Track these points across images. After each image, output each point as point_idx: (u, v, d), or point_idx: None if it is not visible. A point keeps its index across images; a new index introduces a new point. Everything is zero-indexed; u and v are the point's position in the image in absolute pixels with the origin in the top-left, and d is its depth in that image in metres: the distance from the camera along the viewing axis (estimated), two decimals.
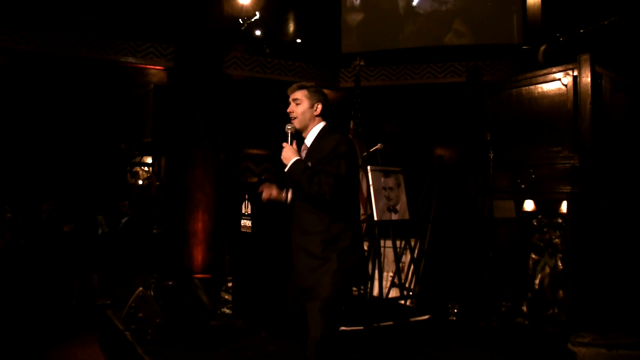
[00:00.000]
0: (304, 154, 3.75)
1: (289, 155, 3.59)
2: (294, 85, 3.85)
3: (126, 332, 5.52)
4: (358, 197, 3.71)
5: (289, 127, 3.74)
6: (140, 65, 9.65)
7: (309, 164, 3.60)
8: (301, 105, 3.75)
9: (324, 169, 3.49)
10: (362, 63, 8.63)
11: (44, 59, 9.10)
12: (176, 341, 5.39)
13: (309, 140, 3.79)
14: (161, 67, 9.74)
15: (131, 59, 9.48)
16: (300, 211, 3.69)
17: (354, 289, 7.40)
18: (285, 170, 3.58)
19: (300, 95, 3.77)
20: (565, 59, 6.12)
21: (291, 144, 3.68)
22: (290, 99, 3.81)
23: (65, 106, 11.18)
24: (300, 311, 3.71)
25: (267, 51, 10.18)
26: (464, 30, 10.24)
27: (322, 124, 3.80)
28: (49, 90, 10.75)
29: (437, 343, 5.84)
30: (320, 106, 3.78)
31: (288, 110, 3.80)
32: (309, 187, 3.44)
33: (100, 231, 9.60)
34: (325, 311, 3.49)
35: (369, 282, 7.08)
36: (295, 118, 3.76)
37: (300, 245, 3.66)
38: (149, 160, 13.27)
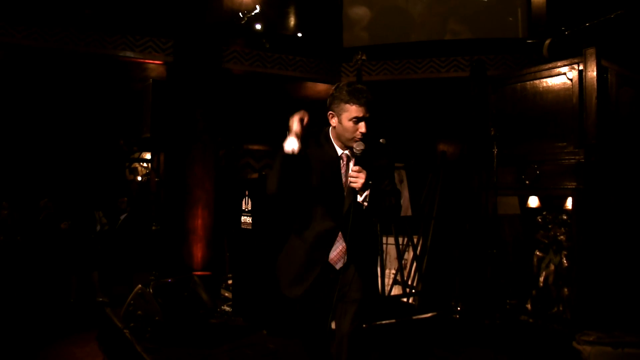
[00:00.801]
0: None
1: (362, 180, 3.33)
2: (369, 97, 3.51)
3: (125, 330, 5.53)
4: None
5: (359, 148, 3.44)
6: (139, 60, 9.63)
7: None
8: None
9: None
10: (363, 57, 8.60)
11: (40, 53, 9.07)
12: (176, 339, 5.40)
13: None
14: (160, 62, 9.72)
15: (129, 54, 9.46)
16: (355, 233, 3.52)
17: None
18: (361, 199, 3.35)
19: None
20: (570, 53, 6.12)
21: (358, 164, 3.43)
22: (364, 114, 3.47)
23: (62, 101, 11.18)
24: (305, 309, 3.73)
25: (267, 46, 10.14)
26: (467, 24, 10.21)
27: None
28: (46, 85, 10.75)
29: (442, 342, 5.83)
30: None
31: (363, 127, 3.45)
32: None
33: (98, 227, 9.60)
34: (363, 309, 3.57)
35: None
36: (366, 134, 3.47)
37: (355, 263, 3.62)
38: (147, 156, 13.26)
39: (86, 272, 8.90)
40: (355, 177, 3.31)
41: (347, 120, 3.45)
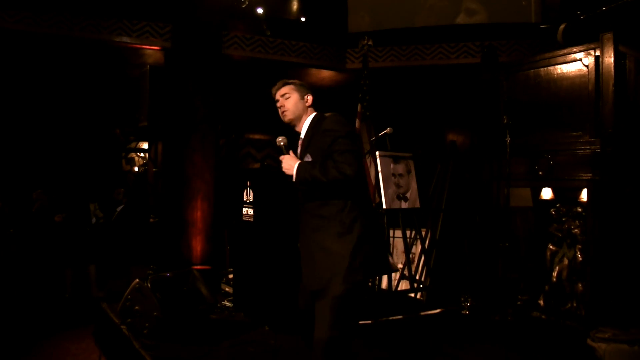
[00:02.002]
0: (299, 150, 3.83)
1: (291, 163, 3.66)
2: (278, 83, 3.96)
3: (122, 326, 5.53)
4: (366, 182, 3.73)
5: (280, 140, 3.80)
6: (136, 46, 9.61)
7: (308, 155, 3.67)
8: (291, 98, 3.86)
9: (332, 151, 3.54)
10: (370, 43, 8.58)
11: (33, 39, 9.06)
12: (174, 335, 5.41)
13: (303, 133, 3.87)
14: (157, 47, 9.71)
15: (126, 39, 9.44)
16: (309, 210, 3.72)
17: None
18: (294, 178, 3.62)
19: (287, 89, 3.89)
20: (586, 38, 6.10)
21: (286, 153, 3.75)
22: (278, 96, 3.91)
23: (56, 89, 11.17)
24: (306, 305, 3.73)
25: (268, 33, 10.12)
26: (478, 8, 10.16)
27: (314, 114, 3.90)
28: (39, 72, 10.73)
29: (451, 338, 5.83)
30: (310, 97, 3.90)
31: (278, 105, 3.91)
32: (326, 174, 3.48)
33: (93, 220, 9.61)
34: (336, 310, 3.49)
35: (387, 274, 7.09)
36: (285, 111, 3.86)
37: (312, 242, 3.67)
38: (145, 145, 13.27)
39: (81, 266, 8.92)
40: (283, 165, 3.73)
41: None
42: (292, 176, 3.64)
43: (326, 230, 3.59)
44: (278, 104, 3.91)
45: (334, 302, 3.48)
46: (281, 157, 3.72)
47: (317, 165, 3.53)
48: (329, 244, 3.56)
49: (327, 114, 3.81)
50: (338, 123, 3.66)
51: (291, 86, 3.89)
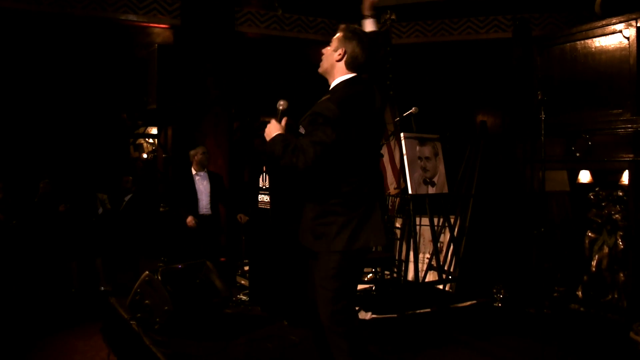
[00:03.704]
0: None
1: (271, 131, 3.52)
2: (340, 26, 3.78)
3: (132, 322, 5.55)
4: (366, 165, 3.61)
5: (281, 103, 3.66)
6: (143, 24, 9.64)
7: (302, 127, 3.54)
8: (329, 47, 3.67)
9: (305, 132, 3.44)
10: (393, 17, 8.55)
11: (34, 18, 9.11)
12: (187, 331, 5.42)
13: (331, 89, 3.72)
14: (166, 25, 9.73)
15: (132, 17, 9.47)
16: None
17: (386, 272, 7.41)
18: (266, 147, 3.52)
19: (333, 37, 3.69)
20: (626, 8, 6.02)
21: (280, 121, 3.60)
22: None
23: (59, 72, 11.21)
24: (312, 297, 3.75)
25: (280, 12, 10.10)
26: None
27: (347, 76, 3.64)
28: (41, 53, 10.78)
29: (481, 332, 5.80)
30: (343, 51, 3.60)
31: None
32: (282, 156, 3.36)
33: (100, 210, 9.66)
34: (325, 289, 3.53)
35: (403, 265, 7.07)
36: (321, 62, 3.71)
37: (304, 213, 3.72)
38: (154, 130, 13.32)
39: (88, 258, 8.98)
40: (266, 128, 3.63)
41: None
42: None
43: (307, 210, 3.68)
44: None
45: (321, 281, 3.55)
46: (271, 120, 3.60)
47: (286, 141, 3.39)
48: (311, 224, 3.62)
49: (341, 90, 3.58)
50: (331, 102, 3.45)
51: (339, 34, 3.67)
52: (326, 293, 3.51)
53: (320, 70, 3.71)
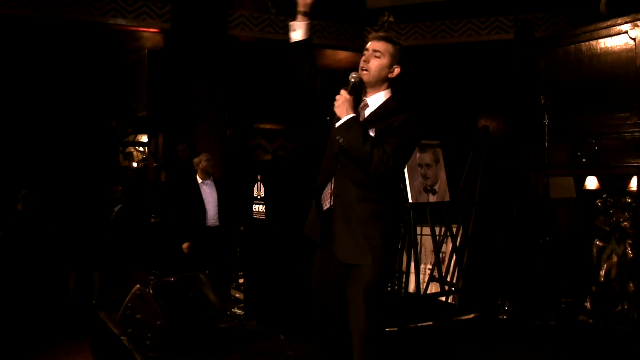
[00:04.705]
0: (363, 114, 3.69)
1: (346, 109, 3.49)
2: (380, 34, 3.74)
3: (122, 337, 5.55)
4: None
5: (354, 75, 3.58)
6: (132, 28, 9.66)
7: (373, 130, 3.53)
8: (381, 59, 3.63)
9: (387, 142, 3.42)
10: (391, 19, 8.57)
11: (20, 22, 9.12)
12: (180, 346, 5.42)
13: (372, 103, 3.71)
14: (156, 30, 9.75)
15: (121, 21, 9.48)
16: (342, 178, 3.60)
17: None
18: (337, 124, 3.49)
19: (383, 47, 3.64)
20: (633, 8, 6.04)
21: (350, 93, 3.54)
22: (369, 48, 3.68)
23: (45, 78, 11.21)
24: (324, 306, 3.72)
25: (274, 11, 10.11)
26: None
27: (389, 92, 3.71)
28: (26, 59, 10.78)
29: (486, 345, 5.80)
30: (398, 70, 3.66)
31: (362, 59, 3.66)
32: (365, 158, 3.37)
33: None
34: (371, 294, 3.49)
35: (404, 276, 7.07)
36: (366, 71, 3.63)
37: (341, 218, 3.59)
38: (144, 138, 13.32)
39: (87, 271, 8.93)
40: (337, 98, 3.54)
41: None
42: (335, 117, 3.53)
43: (356, 210, 3.54)
44: (364, 57, 3.66)
45: (366, 287, 3.48)
46: (342, 92, 3.53)
47: (370, 138, 3.40)
48: (360, 225, 3.53)
49: (413, 112, 3.61)
50: (417, 123, 3.55)
51: (389, 46, 3.64)
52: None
53: (368, 79, 3.64)
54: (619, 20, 6.04)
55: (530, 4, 9.96)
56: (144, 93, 8.86)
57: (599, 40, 6.25)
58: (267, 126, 12.67)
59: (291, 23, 3.80)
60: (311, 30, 3.81)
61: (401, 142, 3.44)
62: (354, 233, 3.52)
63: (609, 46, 6.15)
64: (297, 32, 3.78)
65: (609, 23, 6.17)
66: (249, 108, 11.78)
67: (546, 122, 5.77)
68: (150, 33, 9.92)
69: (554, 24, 9.94)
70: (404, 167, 3.58)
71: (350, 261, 3.52)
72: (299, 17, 3.75)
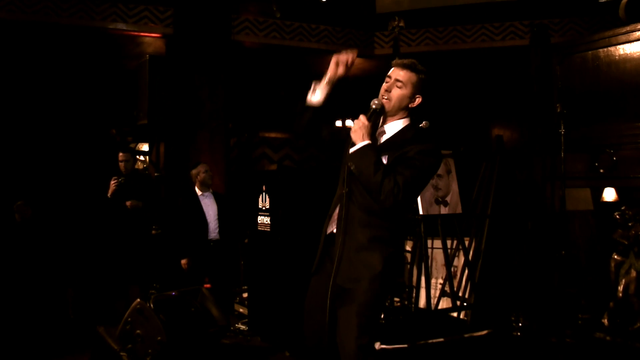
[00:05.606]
0: (379, 141, 3.74)
1: (362, 135, 3.54)
2: (404, 61, 3.75)
3: (122, 353, 5.55)
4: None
5: (376, 102, 3.66)
6: (133, 33, 9.68)
7: (386, 157, 3.57)
8: (402, 89, 3.67)
9: (400, 173, 3.46)
10: (401, 24, 8.57)
11: (17, 27, 9.14)
12: None
13: (389, 131, 3.76)
14: (158, 35, 9.77)
15: (121, 26, 9.50)
16: (348, 203, 3.65)
17: (396, 299, 7.40)
18: (351, 150, 3.54)
19: (406, 78, 3.68)
20: None
21: (370, 120, 3.61)
22: (392, 76, 3.72)
23: (43, 84, 11.25)
24: (317, 338, 3.78)
25: (278, 15, 10.12)
26: None
27: (407, 120, 3.76)
28: (24, 65, 10.82)
29: None
30: (419, 100, 3.72)
31: (384, 87, 3.71)
32: (375, 188, 3.41)
33: None
34: (363, 317, 3.55)
35: (414, 291, 7.07)
36: (387, 100, 3.68)
37: (341, 242, 3.64)
38: (144, 147, 13.33)
39: (86, 285, 8.95)
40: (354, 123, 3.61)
41: None
42: (350, 142, 3.57)
43: (360, 232, 3.61)
44: (386, 84, 3.71)
45: (359, 308, 3.54)
46: (362, 117, 3.60)
47: (382, 166, 3.45)
48: (362, 248, 3.59)
49: (431, 142, 3.66)
50: (432, 155, 3.60)
51: (412, 75, 3.68)
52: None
53: (389, 108, 3.70)
54: (639, 26, 6.04)
55: (546, 9, 9.96)
56: (145, 100, 8.85)
57: (618, 47, 6.26)
58: (273, 135, 12.68)
59: (314, 82, 3.82)
60: (327, 98, 3.83)
61: (414, 175, 3.48)
62: (354, 257, 3.59)
63: (628, 52, 6.16)
64: (317, 95, 3.80)
65: (628, 28, 6.17)
66: (254, 116, 11.80)
67: (562, 131, 5.79)
68: (151, 38, 9.95)
69: (570, 30, 9.93)
70: (416, 199, 3.61)
71: (346, 284, 3.58)
72: (324, 83, 3.78)
